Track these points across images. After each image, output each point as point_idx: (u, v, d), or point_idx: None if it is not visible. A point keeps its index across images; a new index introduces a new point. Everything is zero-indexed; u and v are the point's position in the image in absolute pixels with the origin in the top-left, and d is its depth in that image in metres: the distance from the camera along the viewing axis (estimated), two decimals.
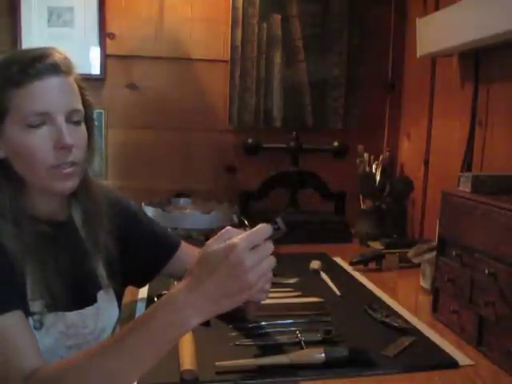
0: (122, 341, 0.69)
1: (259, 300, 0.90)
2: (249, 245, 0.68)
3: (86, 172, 0.95)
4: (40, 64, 0.81)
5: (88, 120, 0.92)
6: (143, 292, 1.30)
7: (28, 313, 0.81)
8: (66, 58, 0.86)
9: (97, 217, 0.96)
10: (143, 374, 0.71)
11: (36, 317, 0.83)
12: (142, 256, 1.07)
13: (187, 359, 0.90)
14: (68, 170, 0.85)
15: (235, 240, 0.68)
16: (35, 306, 0.83)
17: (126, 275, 1.02)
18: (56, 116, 0.83)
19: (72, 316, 0.88)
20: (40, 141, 0.82)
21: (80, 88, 0.89)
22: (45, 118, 0.82)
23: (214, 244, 0.69)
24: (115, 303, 1.00)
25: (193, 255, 1.07)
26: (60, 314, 0.86)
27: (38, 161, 0.83)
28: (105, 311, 0.96)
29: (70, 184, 0.87)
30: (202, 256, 0.69)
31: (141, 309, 1.20)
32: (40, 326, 0.83)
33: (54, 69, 0.83)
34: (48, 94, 0.82)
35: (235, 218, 0.95)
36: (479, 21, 1.38)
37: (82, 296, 0.92)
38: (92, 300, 0.93)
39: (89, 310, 0.92)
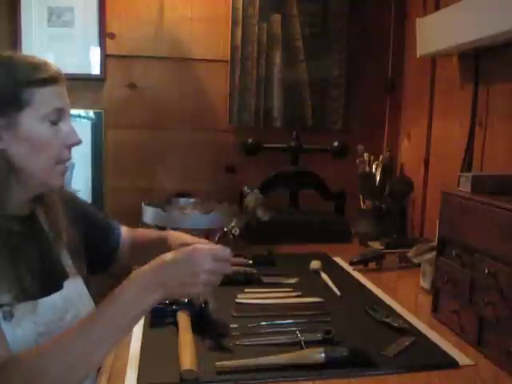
0: (91, 323, 0.78)
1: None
2: (213, 255, 0.85)
3: None
4: (53, 67, 0.92)
5: None
6: None
7: None
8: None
9: (57, 210, 1.02)
10: (110, 352, 0.81)
11: (5, 308, 0.84)
12: (98, 244, 1.15)
13: (187, 359, 0.90)
14: (66, 168, 0.95)
15: (205, 246, 0.86)
16: (4, 297, 0.84)
17: (91, 263, 1.09)
18: (67, 114, 0.94)
19: (41, 304, 0.90)
20: (56, 136, 0.90)
21: None
22: (61, 116, 0.91)
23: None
24: (85, 291, 1.03)
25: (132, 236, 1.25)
26: (30, 303, 0.88)
27: (50, 154, 0.90)
28: (73, 299, 0.98)
29: (63, 180, 0.96)
30: (174, 252, 0.85)
31: None
32: (10, 317, 0.84)
33: (61, 75, 0.94)
34: (62, 94, 0.94)
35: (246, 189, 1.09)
36: (479, 21, 1.38)
37: (48, 284, 0.94)
38: (58, 287, 0.96)
39: (56, 298, 0.94)
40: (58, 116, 0.91)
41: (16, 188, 0.91)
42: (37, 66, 0.89)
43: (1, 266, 0.85)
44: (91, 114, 1.99)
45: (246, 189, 1.17)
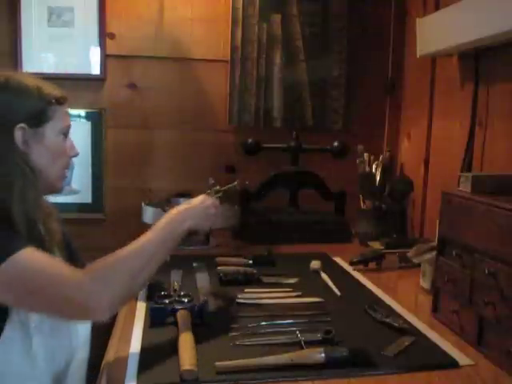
0: (142, 245, 0.98)
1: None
2: (215, 203, 1.20)
3: None
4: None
5: None
6: (144, 288, 1.30)
7: None
8: None
9: (50, 212, 1.12)
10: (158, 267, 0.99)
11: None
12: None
13: (187, 359, 0.90)
14: (68, 174, 1.12)
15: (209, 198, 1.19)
16: None
17: None
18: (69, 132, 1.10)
19: None
20: (67, 147, 1.08)
21: None
22: (68, 131, 1.08)
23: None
24: None
25: None
26: None
27: (64, 162, 1.07)
28: None
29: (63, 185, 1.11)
30: (188, 201, 1.15)
31: (141, 306, 1.21)
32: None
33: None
34: (68, 114, 1.11)
35: (211, 181, 1.38)
36: (479, 21, 1.38)
37: None
38: None
39: None
40: (67, 131, 1.08)
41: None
42: (54, 88, 1.05)
43: None
44: (91, 114, 1.99)
45: (210, 180, 1.37)
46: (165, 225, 1.04)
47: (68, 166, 1.10)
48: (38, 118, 1.01)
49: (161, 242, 1.01)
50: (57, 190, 1.10)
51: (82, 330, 1.08)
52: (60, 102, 1.05)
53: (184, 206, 1.12)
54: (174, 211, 1.09)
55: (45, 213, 1.09)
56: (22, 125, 0.97)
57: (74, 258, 1.18)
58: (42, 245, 1.00)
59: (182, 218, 1.07)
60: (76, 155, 1.12)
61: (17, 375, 0.92)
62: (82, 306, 0.89)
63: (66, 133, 1.07)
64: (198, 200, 1.17)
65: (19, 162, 0.97)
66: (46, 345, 0.96)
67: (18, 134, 0.97)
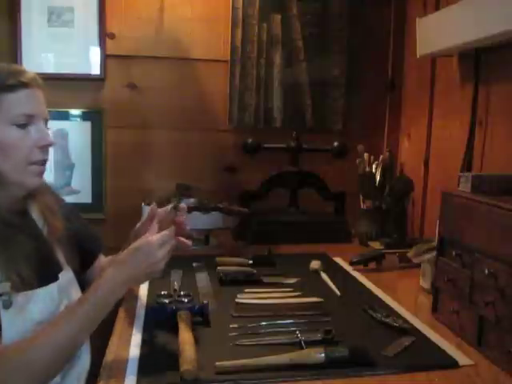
0: (73, 312, 0.90)
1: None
2: (161, 242, 0.97)
3: None
4: (27, 74, 0.97)
5: None
6: (143, 289, 1.30)
7: None
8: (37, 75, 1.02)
9: (51, 207, 1.10)
10: (92, 331, 0.93)
11: (4, 297, 0.89)
12: (83, 241, 1.19)
13: (187, 359, 0.90)
14: (42, 168, 1.01)
15: (153, 238, 0.97)
16: (3, 287, 0.90)
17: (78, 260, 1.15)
18: (39, 119, 0.99)
19: (38, 294, 0.96)
20: (24, 138, 0.96)
21: None
22: (30, 120, 0.97)
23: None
24: (76, 284, 1.12)
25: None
26: (28, 293, 0.94)
27: (20, 156, 0.96)
28: (67, 290, 1.06)
29: (40, 180, 1.02)
30: (131, 247, 0.97)
31: (141, 306, 1.21)
32: (9, 305, 0.90)
33: (36, 81, 0.99)
34: (34, 100, 0.98)
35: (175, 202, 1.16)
36: (479, 21, 1.37)
37: (45, 275, 1.01)
38: (54, 278, 1.03)
39: (53, 288, 1.01)
40: (27, 120, 0.96)
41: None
42: (6, 73, 0.95)
43: None
44: (91, 114, 1.99)
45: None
46: (100, 289, 0.92)
47: (31, 158, 0.97)
48: None
49: (92, 311, 0.91)
50: (30, 188, 1.01)
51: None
52: (11, 88, 0.94)
53: (127, 254, 0.96)
54: (112, 267, 0.95)
55: (47, 210, 1.07)
56: None
57: (85, 250, 1.19)
58: (36, 238, 1.02)
59: (125, 278, 0.95)
60: (47, 145, 1.00)
61: None
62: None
63: (23, 123, 0.96)
64: (143, 245, 0.97)
65: None
66: None
67: None
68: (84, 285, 1.15)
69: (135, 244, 0.98)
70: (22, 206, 1.04)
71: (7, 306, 0.90)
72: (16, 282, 0.91)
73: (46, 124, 1.02)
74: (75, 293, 1.09)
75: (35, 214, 1.08)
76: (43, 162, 1.01)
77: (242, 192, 1.98)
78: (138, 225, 1.16)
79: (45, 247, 1.05)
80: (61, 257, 1.09)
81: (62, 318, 0.91)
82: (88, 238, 1.26)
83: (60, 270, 1.07)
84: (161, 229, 1.01)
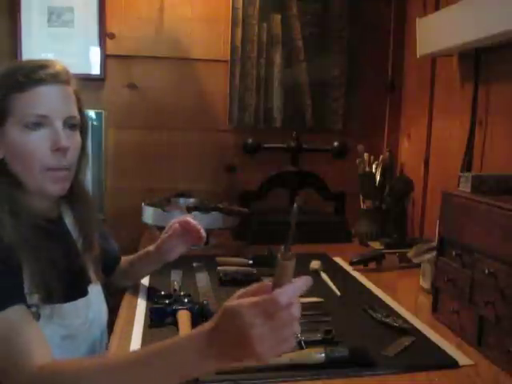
0: (136, 363, 0.70)
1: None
2: (261, 310, 0.62)
3: (78, 177, 1.01)
4: (42, 71, 0.89)
5: (83, 129, 0.99)
6: (144, 289, 1.30)
7: (26, 306, 0.83)
8: (65, 69, 0.96)
9: (88, 219, 1.04)
10: None
11: (33, 309, 0.85)
12: (105, 247, 1.15)
13: None
14: (61, 174, 0.93)
15: (246, 301, 0.62)
16: (32, 298, 0.85)
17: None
18: (54, 120, 0.90)
19: (66, 307, 0.92)
20: (37, 142, 0.89)
21: (78, 98, 0.97)
22: (43, 121, 0.89)
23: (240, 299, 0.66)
24: (103, 297, 1.09)
25: None
26: (56, 306, 0.89)
27: (34, 161, 0.89)
28: (95, 303, 1.03)
29: (61, 187, 0.94)
30: (225, 310, 0.65)
31: (141, 306, 1.21)
32: (37, 318, 0.86)
33: (55, 77, 0.91)
34: (48, 99, 0.89)
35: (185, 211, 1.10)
36: (479, 21, 1.37)
37: (74, 289, 0.97)
38: (84, 292, 1.00)
39: (81, 302, 0.98)
40: (41, 121, 0.89)
41: (27, 191, 0.92)
42: (19, 70, 0.87)
43: (28, 262, 0.85)
44: (91, 114, 1.98)
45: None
46: (177, 352, 0.67)
47: (45, 163, 0.89)
48: None
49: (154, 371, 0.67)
50: (53, 195, 0.95)
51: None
52: (20, 87, 0.86)
53: (241, 317, 0.62)
54: (201, 329, 0.67)
55: (84, 222, 1.02)
56: None
57: (108, 258, 1.17)
58: (68, 248, 0.98)
59: (210, 351, 0.64)
60: (60, 149, 0.89)
61: None
62: None
63: (34, 124, 0.88)
64: (230, 313, 0.64)
65: None
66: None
67: None
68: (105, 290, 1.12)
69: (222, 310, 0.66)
70: (56, 212, 1.01)
71: (36, 318, 0.85)
72: (45, 294, 0.86)
73: (67, 124, 0.92)
74: (103, 306, 1.08)
75: (69, 222, 1.03)
76: (64, 169, 0.92)
77: (242, 192, 1.98)
78: (165, 236, 1.13)
79: (77, 261, 1.00)
80: (91, 270, 1.05)
81: (113, 365, 0.73)
82: (110, 249, 1.23)
83: (89, 283, 1.03)
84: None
